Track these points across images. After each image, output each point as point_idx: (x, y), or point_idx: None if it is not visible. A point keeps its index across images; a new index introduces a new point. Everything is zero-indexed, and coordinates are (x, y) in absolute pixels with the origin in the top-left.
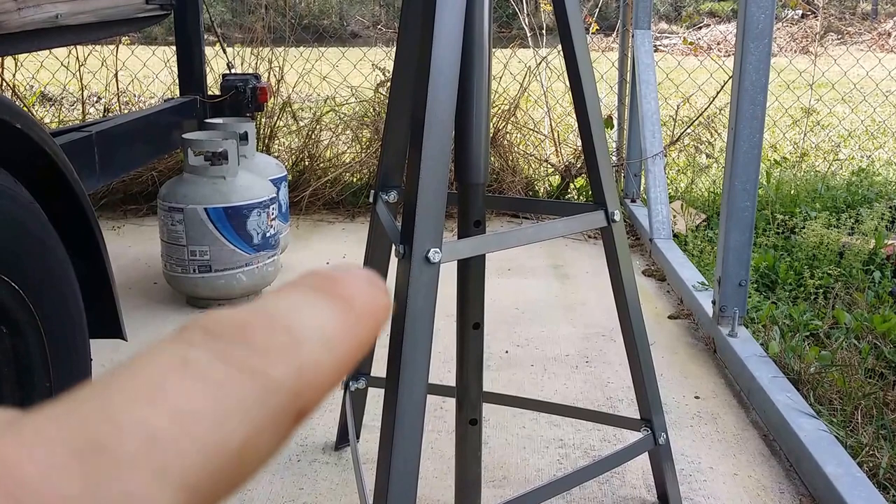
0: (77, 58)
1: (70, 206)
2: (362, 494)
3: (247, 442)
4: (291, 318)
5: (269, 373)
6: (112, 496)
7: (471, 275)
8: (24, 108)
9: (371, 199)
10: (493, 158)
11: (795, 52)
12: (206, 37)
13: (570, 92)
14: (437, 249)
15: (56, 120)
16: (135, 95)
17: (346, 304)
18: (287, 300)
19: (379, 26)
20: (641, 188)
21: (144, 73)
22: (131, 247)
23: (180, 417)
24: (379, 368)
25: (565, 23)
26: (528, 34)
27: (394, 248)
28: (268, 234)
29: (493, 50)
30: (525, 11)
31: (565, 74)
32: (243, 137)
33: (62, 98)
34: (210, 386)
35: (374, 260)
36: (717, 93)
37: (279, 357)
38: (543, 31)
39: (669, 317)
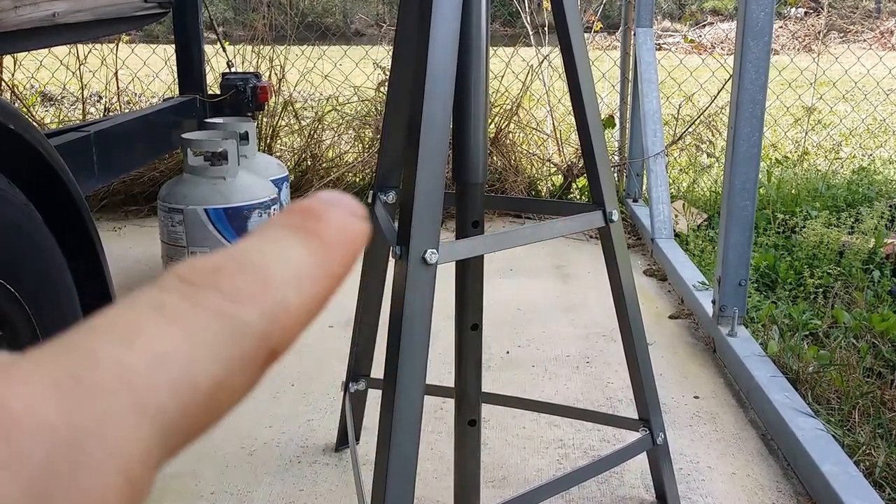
0: (77, 57)
1: (66, 207)
2: (360, 496)
3: (217, 382)
4: (261, 261)
5: (239, 315)
6: (89, 422)
7: (469, 276)
8: (23, 109)
9: (370, 200)
10: (495, 158)
11: (798, 50)
12: (205, 35)
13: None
14: (434, 250)
15: (56, 120)
16: (136, 94)
17: (318, 238)
18: (259, 242)
19: (381, 24)
20: (643, 187)
21: (145, 73)
22: (132, 248)
23: (154, 357)
24: (378, 370)
25: (564, 26)
26: (531, 33)
27: (391, 249)
28: None
29: (496, 48)
30: (527, 10)
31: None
32: (243, 137)
33: (62, 98)
34: (182, 329)
35: (372, 261)
36: (719, 91)
37: (249, 300)
38: (546, 30)
39: (670, 317)
